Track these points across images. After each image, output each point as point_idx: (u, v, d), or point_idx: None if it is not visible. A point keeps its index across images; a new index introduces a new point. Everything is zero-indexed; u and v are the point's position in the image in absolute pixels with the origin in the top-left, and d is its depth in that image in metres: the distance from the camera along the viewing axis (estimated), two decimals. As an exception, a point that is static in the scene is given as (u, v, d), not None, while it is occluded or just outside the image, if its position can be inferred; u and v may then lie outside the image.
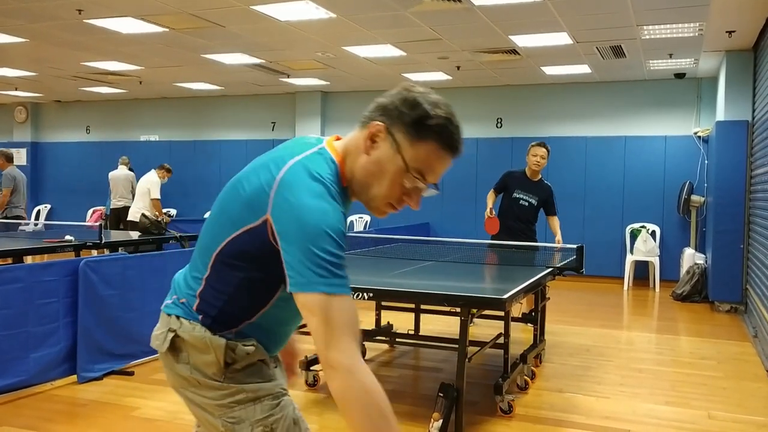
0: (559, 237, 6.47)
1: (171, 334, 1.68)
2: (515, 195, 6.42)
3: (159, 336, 1.72)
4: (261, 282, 1.58)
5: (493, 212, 6.39)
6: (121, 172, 10.76)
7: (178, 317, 1.69)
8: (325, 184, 1.50)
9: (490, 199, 6.50)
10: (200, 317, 1.64)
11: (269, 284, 1.59)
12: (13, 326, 4.18)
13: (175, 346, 1.67)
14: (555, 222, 6.55)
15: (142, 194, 9.74)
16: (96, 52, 8.92)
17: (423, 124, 1.61)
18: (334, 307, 1.41)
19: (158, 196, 9.77)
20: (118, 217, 10.61)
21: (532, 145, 6.45)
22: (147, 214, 8.36)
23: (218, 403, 1.62)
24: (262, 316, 1.64)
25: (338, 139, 1.70)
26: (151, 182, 9.79)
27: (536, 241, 6.55)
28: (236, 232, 1.56)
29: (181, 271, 1.85)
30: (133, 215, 9.34)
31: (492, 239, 6.36)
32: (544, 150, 6.38)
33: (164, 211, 11.82)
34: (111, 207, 10.74)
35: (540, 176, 6.51)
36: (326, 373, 1.44)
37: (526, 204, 6.41)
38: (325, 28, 7.38)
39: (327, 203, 1.46)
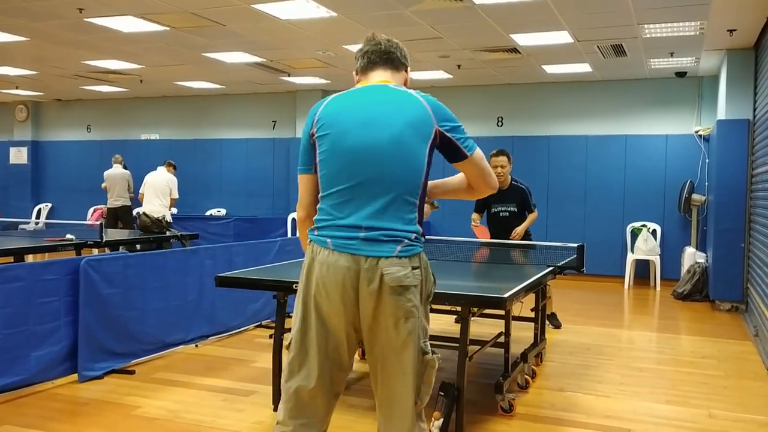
0: (518, 229, 6.32)
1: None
2: (494, 210, 6.43)
3: None
4: None
5: (478, 220, 6.36)
6: (117, 171, 10.73)
7: None
8: None
9: (476, 218, 6.43)
10: None
11: None
12: (14, 325, 4.19)
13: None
14: (529, 216, 6.48)
15: (164, 193, 9.69)
16: (97, 50, 8.92)
17: None
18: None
19: (177, 195, 9.83)
20: (115, 216, 10.58)
21: (491, 155, 6.33)
22: (147, 212, 8.37)
23: (423, 328, 2.27)
24: None
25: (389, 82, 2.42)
26: (172, 181, 9.77)
27: (532, 241, 6.55)
28: None
29: None
30: (159, 213, 9.03)
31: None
32: (503, 158, 6.28)
33: (159, 216, 11.85)
34: (108, 206, 10.69)
35: (510, 181, 6.39)
36: None
37: (507, 214, 6.40)
38: (326, 26, 7.38)
39: None
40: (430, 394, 2.28)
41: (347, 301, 2.19)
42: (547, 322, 5.81)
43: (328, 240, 2.22)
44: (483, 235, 6.33)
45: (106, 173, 10.75)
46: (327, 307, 2.22)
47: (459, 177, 2.51)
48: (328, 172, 2.27)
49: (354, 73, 2.51)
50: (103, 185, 10.93)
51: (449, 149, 2.33)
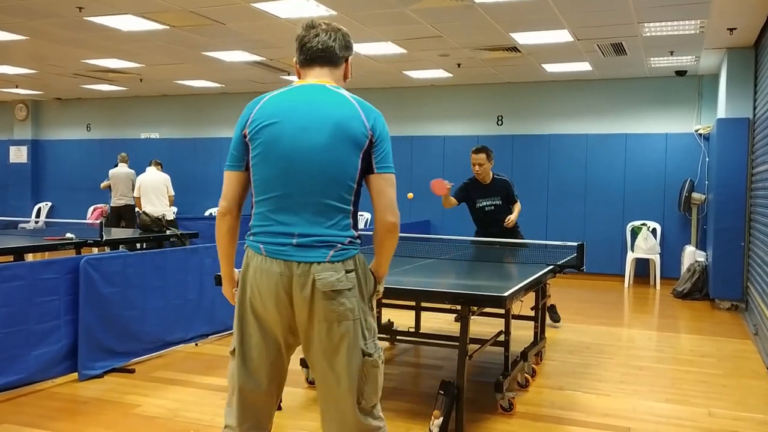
0: (511, 217, 6.36)
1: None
2: (478, 204, 6.44)
3: None
4: None
5: (448, 184, 6.13)
6: (122, 170, 10.72)
7: None
8: None
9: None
10: None
11: None
12: (14, 324, 4.19)
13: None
14: (516, 207, 6.50)
15: (162, 193, 9.72)
16: (96, 49, 8.92)
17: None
18: None
19: (173, 192, 9.90)
20: (119, 216, 10.58)
21: (471, 152, 6.38)
22: (148, 212, 8.37)
23: (367, 329, 2.31)
24: None
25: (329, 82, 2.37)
26: (166, 179, 9.82)
27: (522, 236, 6.57)
28: None
29: None
30: (159, 212, 9.00)
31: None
32: (481, 155, 6.29)
33: (159, 215, 11.85)
34: (112, 205, 10.69)
35: (491, 175, 6.43)
36: None
37: (493, 207, 6.42)
38: (326, 25, 7.37)
39: None
40: (379, 392, 2.32)
41: (281, 306, 2.23)
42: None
43: (261, 246, 2.25)
44: (438, 187, 6.09)
45: (111, 172, 10.72)
46: (263, 313, 2.27)
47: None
48: (262, 177, 2.28)
49: (294, 62, 2.47)
50: (104, 184, 10.90)
51: (368, 158, 2.29)
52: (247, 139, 2.31)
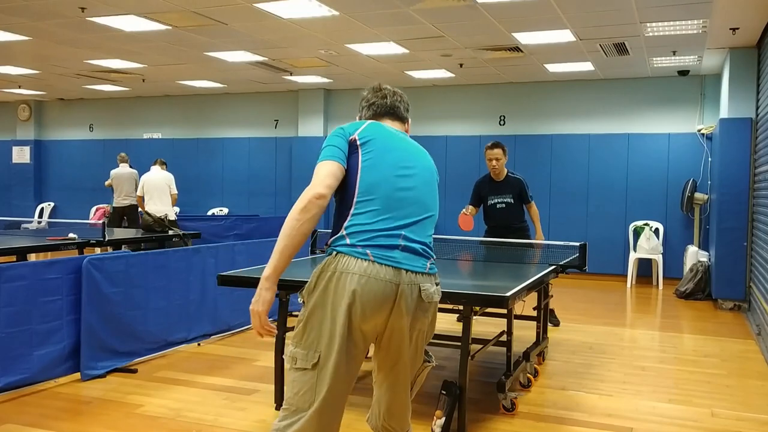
0: (539, 231, 6.44)
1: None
2: (490, 201, 6.41)
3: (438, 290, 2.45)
4: None
5: (470, 210, 6.24)
6: (125, 170, 10.72)
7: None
8: None
9: (471, 210, 6.34)
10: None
11: None
12: (17, 324, 4.20)
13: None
14: (533, 210, 6.50)
15: (165, 192, 9.73)
16: (99, 49, 8.93)
17: None
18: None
19: (177, 191, 9.89)
20: (122, 216, 10.58)
21: (486, 148, 6.37)
22: (151, 212, 8.37)
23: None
24: None
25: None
26: (169, 179, 9.83)
27: (530, 236, 6.51)
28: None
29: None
30: (161, 212, 8.99)
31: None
32: (498, 150, 6.28)
33: (161, 215, 11.82)
34: (115, 205, 10.68)
35: (506, 172, 6.41)
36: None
37: (504, 206, 6.39)
38: (328, 25, 7.38)
39: None
40: None
41: (383, 313, 2.28)
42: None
43: (369, 252, 2.26)
44: (465, 225, 6.16)
45: (113, 172, 10.68)
46: (358, 320, 2.24)
47: None
48: (368, 181, 2.34)
49: (357, 119, 2.66)
50: (107, 183, 10.87)
51: None
52: (357, 142, 2.40)
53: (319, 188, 2.27)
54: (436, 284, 2.40)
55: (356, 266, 2.24)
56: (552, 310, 6.65)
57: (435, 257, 2.45)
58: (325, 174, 2.31)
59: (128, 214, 10.54)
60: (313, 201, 2.24)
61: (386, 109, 2.61)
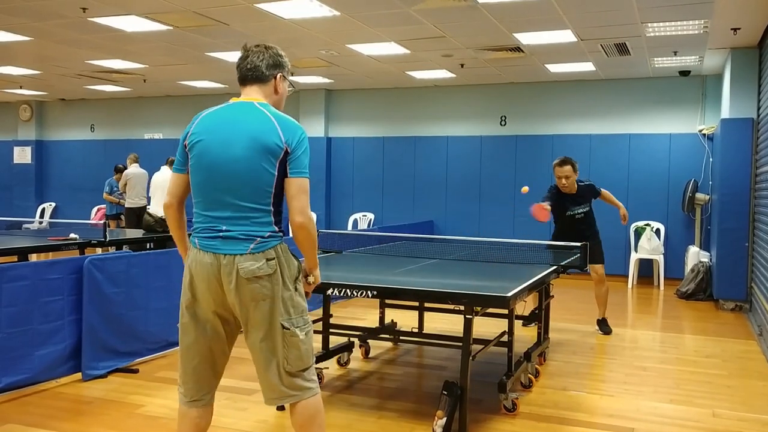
0: (622, 209, 6.54)
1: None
2: (570, 212, 6.29)
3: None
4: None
5: (548, 206, 6.00)
6: (139, 170, 10.71)
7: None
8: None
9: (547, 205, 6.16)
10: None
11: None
12: (19, 324, 4.20)
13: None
14: (607, 196, 6.51)
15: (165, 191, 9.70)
16: (100, 50, 8.94)
17: (288, 64, 2.91)
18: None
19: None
20: (138, 216, 10.52)
21: (555, 165, 6.21)
22: (151, 212, 8.38)
23: (290, 307, 2.70)
24: None
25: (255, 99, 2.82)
26: None
27: (599, 236, 6.44)
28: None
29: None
30: (162, 212, 9.01)
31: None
32: (567, 168, 6.13)
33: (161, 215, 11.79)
34: (129, 206, 10.58)
35: (576, 185, 6.28)
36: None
37: (582, 215, 6.33)
38: (329, 26, 7.38)
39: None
40: (306, 359, 2.70)
41: (212, 290, 2.65)
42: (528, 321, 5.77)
43: (197, 241, 2.69)
44: (541, 215, 5.90)
45: (129, 172, 10.64)
46: (199, 296, 2.70)
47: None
48: (195, 182, 2.71)
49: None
50: (122, 185, 10.80)
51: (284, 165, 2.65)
52: (186, 148, 2.73)
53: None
54: (268, 260, 2.60)
55: (192, 252, 2.72)
56: (533, 312, 6.51)
57: (266, 235, 2.63)
58: (171, 185, 2.81)
59: (141, 215, 10.52)
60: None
61: (246, 71, 2.85)
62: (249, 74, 2.83)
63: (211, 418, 2.90)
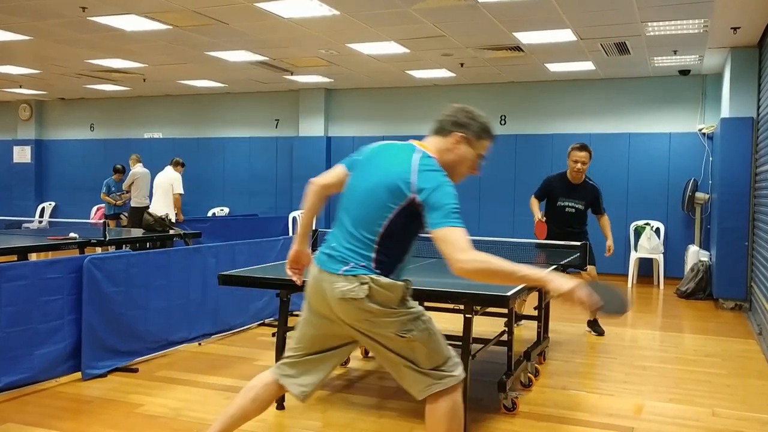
0: (609, 241, 6.19)
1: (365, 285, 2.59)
2: (560, 203, 6.07)
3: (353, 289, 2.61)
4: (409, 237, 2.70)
5: (544, 217, 6.02)
6: (144, 170, 10.71)
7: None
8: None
9: (535, 206, 6.13)
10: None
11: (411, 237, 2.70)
12: (18, 323, 4.20)
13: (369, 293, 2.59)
14: (605, 221, 6.22)
15: (165, 191, 9.73)
16: (100, 49, 8.93)
17: (484, 131, 2.83)
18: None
19: (182, 191, 9.83)
20: (142, 215, 10.53)
21: (573, 149, 6.02)
22: (151, 211, 8.37)
23: (397, 321, 2.64)
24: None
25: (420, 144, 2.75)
26: (173, 178, 9.83)
27: (588, 242, 6.14)
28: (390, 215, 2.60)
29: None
30: (162, 212, 9.01)
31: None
32: (585, 153, 5.96)
33: (162, 214, 11.78)
34: (135, 205, 10.54)
35: (584, 178, 6.12)
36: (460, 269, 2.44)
37: (573, 210, 6.07)
38: (329, 25, 7.38)
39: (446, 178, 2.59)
40: (433, 356, 2.70)
41: (319, 298, 2.72)
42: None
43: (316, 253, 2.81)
44: (540, 234, 5.91)
45: (136, 172, 10.64)
46: (310, 299, 2.80)
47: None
48: (342, 198, 2.79)
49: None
50: (128, 184, 10.78)
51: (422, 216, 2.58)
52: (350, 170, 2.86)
53: (317, 180, 2.99)
54: (362, 284, 2.57)
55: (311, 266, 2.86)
56: (596, 320, 6.44)
57: (358, 262, 2.61)
58: (330, 172, 2.97)
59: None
60: (310, 190, 2.99)
61: (435, 124, 2.80)
62: (435, 125, 2.80)
63: (268, 404, 3.00)
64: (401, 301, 2.67)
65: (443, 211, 2.48)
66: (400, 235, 2.64)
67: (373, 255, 2.63)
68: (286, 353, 2.93)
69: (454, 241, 2.43)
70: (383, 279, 2.61)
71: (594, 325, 6.48)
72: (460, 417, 2.76)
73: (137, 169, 10.72)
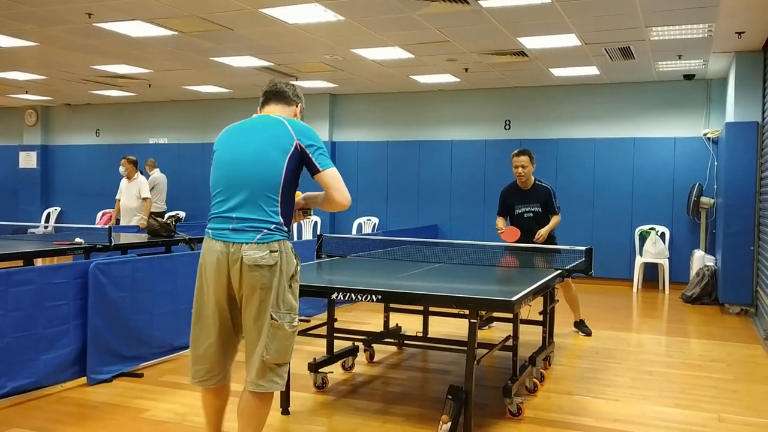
0: (542, 231, 6.14)
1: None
2: (517, 211, 6.29)
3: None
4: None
5: (503, 226, 6.22)
6: (162, 175, 10.76)
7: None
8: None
9: (500, 223, 6.31)
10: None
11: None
12: (24, 328, 4.21)
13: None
14: (553, 219, 6.31)
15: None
16: (106, 55, 8.97)
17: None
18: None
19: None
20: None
21: (513, 155, 6.27)
22: (157, 218, 8.38)
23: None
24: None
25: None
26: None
27: (557, 244, 6.32)
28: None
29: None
30: (172, 218, 9.05)
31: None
32: (524, 158, 6.19)
33: (172, 213, 11.80)
34: (154, 210, 10.56)
35: (533, 181, 6.30)
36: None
37: (531, 215, 6.26)
38: (334, 30, 7.40)
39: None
40: (284, 355, 3.00)
41: (221, 276, 2.96)
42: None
43: (209, 230, 3.05)
44: (511, 237, 6.09)
45: (156, 177, 10.68)
46: (209, 281, 3.00)
47: (323, 192, 3.15)
48: (212, 179, 3.15)
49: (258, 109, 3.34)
50: (150, 190, 10.79)
51: (306, 163, 3.07)
52: (213, 156, 3.21)
53: None
54: (271, 251, 2.91)
55: (204, 241, 3.07)
56: (582, 321, 6.59)
57: (272, 227, 2.95)
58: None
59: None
60: None
61: (270, 93, 3.35)
62: (275, 95, 3.35)
63: (227, 396, 3.23)
64: (292, 278, 3.03)
65: (327, 156, 3.11)
66: (292, 185, 3.04)
67: (278, 210, 2.98)
68: (193, 371, 3.22)
69: (340, 179, 3.10)
70: (289, 247, 3.01)
71: (581, 326, 6.55)
72: (266, 415, 3.11)
73: (156, 174, 10.77)
